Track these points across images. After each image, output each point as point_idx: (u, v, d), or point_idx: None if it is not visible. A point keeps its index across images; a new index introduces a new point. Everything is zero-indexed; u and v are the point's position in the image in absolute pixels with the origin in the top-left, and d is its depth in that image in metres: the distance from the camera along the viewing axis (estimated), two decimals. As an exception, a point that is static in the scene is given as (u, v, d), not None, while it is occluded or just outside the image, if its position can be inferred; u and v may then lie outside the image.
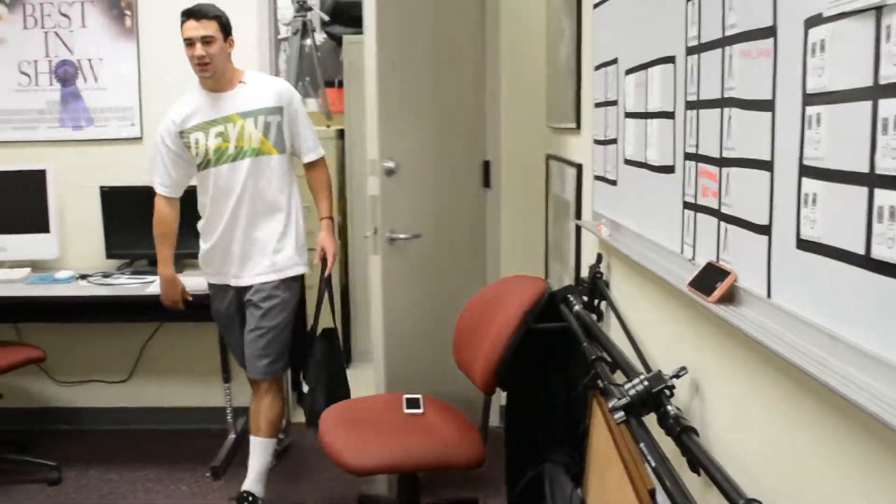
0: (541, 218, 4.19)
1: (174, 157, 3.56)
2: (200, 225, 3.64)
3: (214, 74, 3.45)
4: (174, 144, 3.54)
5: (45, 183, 4.23)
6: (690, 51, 1.73)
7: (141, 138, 4.40)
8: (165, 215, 3.62)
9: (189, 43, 3.41)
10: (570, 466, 2.74)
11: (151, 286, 3.94)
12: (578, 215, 3.14)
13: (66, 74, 4.41)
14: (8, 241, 4.27)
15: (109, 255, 4.32)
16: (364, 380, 5.34)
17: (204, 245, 3.62)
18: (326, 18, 6.01)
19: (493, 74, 4.27)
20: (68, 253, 4.41)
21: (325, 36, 6.11)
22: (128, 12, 4.37)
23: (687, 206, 1.76)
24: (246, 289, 3.55)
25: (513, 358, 2.81)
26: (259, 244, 3.52)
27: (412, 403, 3.15)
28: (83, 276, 4.15)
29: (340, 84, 5.79)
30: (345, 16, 5.97)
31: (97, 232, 4.31)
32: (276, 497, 3.72)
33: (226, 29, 3.48)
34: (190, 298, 3.77)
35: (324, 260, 3.62)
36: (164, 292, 3.73)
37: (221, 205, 3.52)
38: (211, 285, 3.69)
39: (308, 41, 5.89)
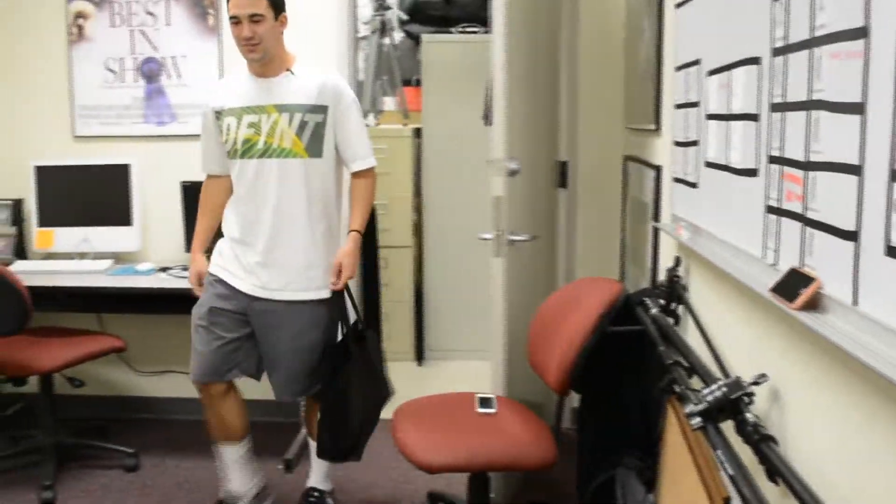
0: (617, 219, 4.15)
1: (213, 136, 3.29)
2: (224, 212, 3.33)
3: (264, 56, 3.10)
4: (212, 123, 3.27)
5: (129, 177, 4.34)
6: (776, 52, 1.70)
7: (222, 134, 4.47)
8: (210, 193, 3.39)
9: (235, 21, 3.04)
10: (642, 471, 2.71)
11: (229, 280, 4.00)
12: (656, 217, 3.10)
13: (150, 72, 4.51)
14: (92, 233, 4.38)
15: (189, 249, 4.39)
16: (438, 378, 5.38)
17: (223, 239, 3.31)
18: (405, 17, 6.04)
19: (572, 75, 4.24)
20: (149, 246, 4.50)
21: (403, 34, 6.14)
22: (211, 11, 4.45)
23: (770, 210, 1.73)
24: (259, 300, 3.22)
25: (587, 360, 2.79)
26: (286, 255, 3.18)
27: (485, 403, 3.15)
28: (163, 269, 4.24)
29: (418, 83, 5.82)
30: (423, 14, 6.00)
31: (177, 226, 4.40)
32: (344, 492, 3.76)
33: (277, 5, 3.10)
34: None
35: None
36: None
37: (246, 202, 3.21)
38: (213, 276, 3.28)
39: (386, 40, 5.92)
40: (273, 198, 3.15)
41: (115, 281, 4.12)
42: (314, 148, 3.16)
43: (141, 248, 4.42)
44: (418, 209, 5.66)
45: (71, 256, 4.42)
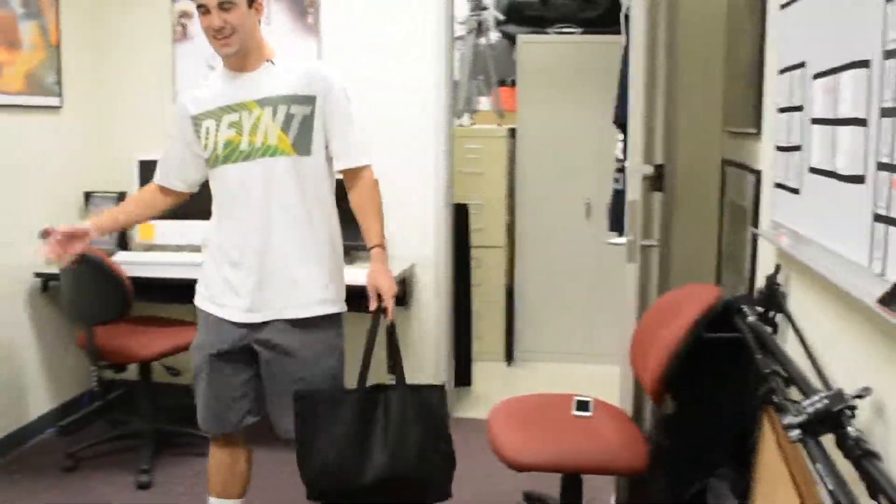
0: (714, 224, 4.08)
1: (178, 142, 2.94)
2: (203, 237, 3.02)
3: (239, 50, 2.72)
4: (180, 127, 2.91)
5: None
6: (889, 54, 1.65)
7: (319, 132, 4.54)
8: (149, 194, 3.06)
9: (203, 10, 2.66)
10: (735, 483, 2.66)
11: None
12: (756, 223, 3.03)
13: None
14: (191, 226, 4.43)
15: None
16: (527, 379, 5.37)
17: (205, 262, 2.95)
18: (501, 17, 6.04)
19: (670, 76, 4.17)
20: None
21: (499, 35, 6.14)
22: (310, 10, 4.52)
23: (878, 218, 1.67)
24: (259, 327, 2.83)
25: (682, 367, 2.75)
26: (285, 268, 2.79)
27: (582, 406, 3.13)
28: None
29: (513, 83, 5.81)
30: (519, 15, 5.99)
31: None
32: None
33: None
34: (70, 261, 2.88)
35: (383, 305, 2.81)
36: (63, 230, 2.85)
37: (230, 216, 2.84)
38: (203, 313, 2.92)
39: (482, 40, 5.93)
40: (261, 204, 2.78)
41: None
42: (302, 144, 2.78)
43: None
44: (511, 210, 5.64)
45: (171, 249, 4.54)
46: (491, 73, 5.92)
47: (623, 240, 3.28)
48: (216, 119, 2.79)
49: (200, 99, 2.85)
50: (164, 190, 3.03)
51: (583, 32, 5.70)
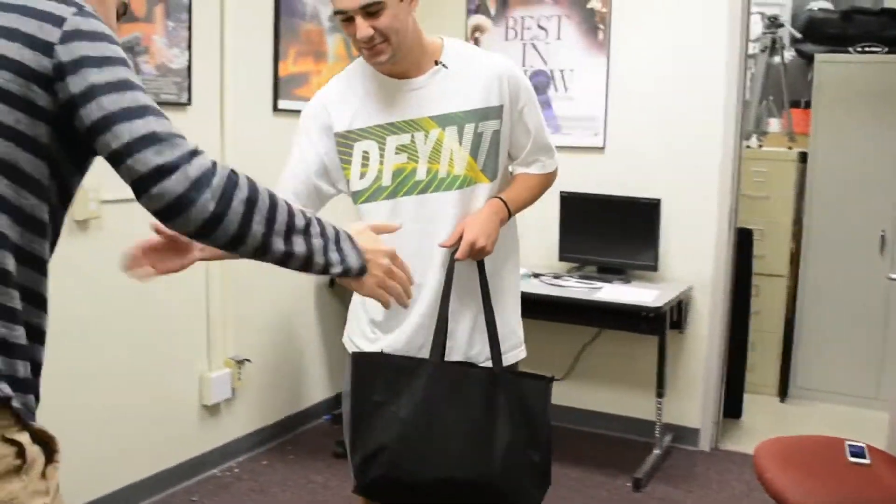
0: None
1: (313, 150, 2.21)
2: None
3: (394, 56, 2.10)
4: (318, 136, 2.22)
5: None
6: None
7: (603, 148, 4.52)
8: None
9: (343, 17, 2.06)
10: None
11: (599, 292, 4.04)
12: None
13: (538, 84, 4.65)
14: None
15: (561, 258, 4.50)
16: (801, 418, 5.08)
17: (352, 309, 2.53)
18: (798, 35, 5.77)
19: None
20: (525, 251, 4.61)
21: (793, 53, 5.87)
22: (601, 26, 4.51)
23: None
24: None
25: None
26: (464, 317, 2.29)
27: (856, 452, 2.91)
28: (536, 275, 4.35)
29: (807, 104, 5.54)
30: (818, 33, 5.69)
31: (553, 234, 4.51)
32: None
33: None
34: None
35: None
36: None
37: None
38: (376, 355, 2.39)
39: (776, 58, 5.70)
40: (440, 248, 2.22)
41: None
42: (491, 167, 2.25)
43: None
44: (797, 237, 5.37)
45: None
46: (783, 93, 5.67)
47: None
48: (378, 140, 2.19)
49: (347, 110, 2.22)
50: None
51: (887, 52, 5.34)
